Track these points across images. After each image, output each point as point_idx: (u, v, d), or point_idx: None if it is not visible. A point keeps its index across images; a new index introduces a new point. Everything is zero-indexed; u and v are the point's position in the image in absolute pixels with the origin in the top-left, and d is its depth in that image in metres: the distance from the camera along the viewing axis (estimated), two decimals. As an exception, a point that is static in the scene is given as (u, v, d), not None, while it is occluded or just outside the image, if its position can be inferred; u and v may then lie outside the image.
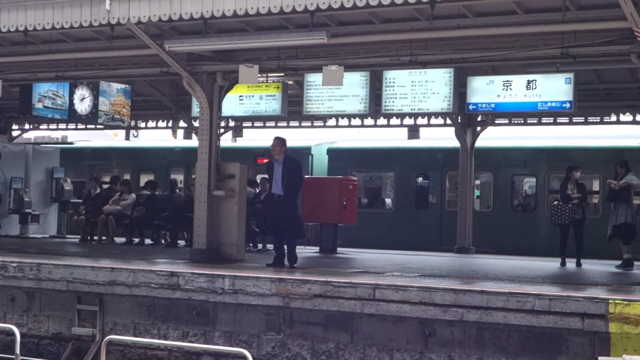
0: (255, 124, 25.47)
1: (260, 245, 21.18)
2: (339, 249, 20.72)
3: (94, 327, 14.19)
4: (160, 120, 26.59)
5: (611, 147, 23.28)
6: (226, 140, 25.03)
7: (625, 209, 16.91)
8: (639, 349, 10.68)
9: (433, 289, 11.94)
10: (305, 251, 19.36)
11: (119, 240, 22.30)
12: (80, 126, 27.12)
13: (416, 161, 25.94)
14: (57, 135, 32.57)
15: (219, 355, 13.00)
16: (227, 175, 16.92)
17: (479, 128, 22.64)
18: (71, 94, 21.97)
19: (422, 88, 18.83)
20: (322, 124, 24.69)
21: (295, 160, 16.32)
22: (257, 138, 27.52)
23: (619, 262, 17.17)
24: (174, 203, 21.68)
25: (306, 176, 22.41)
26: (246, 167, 17.59)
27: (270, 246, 19.25)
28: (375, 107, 19.64)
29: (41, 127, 28.92)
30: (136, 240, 22.21)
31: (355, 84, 19.17)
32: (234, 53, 16.84)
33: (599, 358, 10.64)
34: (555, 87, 17.90)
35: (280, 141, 15.84)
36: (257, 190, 21.09)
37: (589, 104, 20.65)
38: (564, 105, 17.91)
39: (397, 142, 26.56)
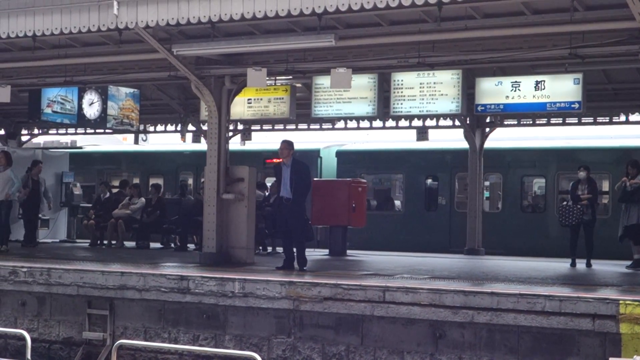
0: (263, 127, 25.48)
1: (269, 249, 21.21)
2: (348, 252, 20.71)
3: (105, 331, 14.21)
4: (169, 124, 26.62)
5: (620, 147, 23.23)
6: (235, 143, 25.05)
7: (638, 209, 16.86)
8: (650, 349, 10.66)
9: (443, 290, 11.93)
10: (314, 254, 19.36)
11: (129, 244, 22.33)
12: (89, 130, 27.15)
13: (425, 163, 25.93)
14: (66, 139, 32.64)
15: (230, 358, 12.98)
16: (236, 179, 16.94)
17: (487, 129, 22.62)
18: (80, 98, 22.02)
19: (431, 90, 18.80)
20: (330, 126, 24.70)
21: (304, 163, 16.31)
22: (265, 141, 27.55)
23: (629, 263, 17.13)
24: (183, 207, 21.70)
25: (315, 179, 22.43)
26: (255, 170, 17.61)
27: (279, 249, 19.26)
28: (383, 109, 19.62)
29: (50, 131, 28.97)
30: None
31: (363, 86, 19.16)
32: (242, 56, 16.86)
33: (610, 359, 10.62)
34: (563, 88, 17.87)
35: (287, 144, 15.84)
36: (267, 194, 21.10)
37: (597, 104, 20.61)
38: (572, 105, 17.87)
39: (405, 144, 26.55)
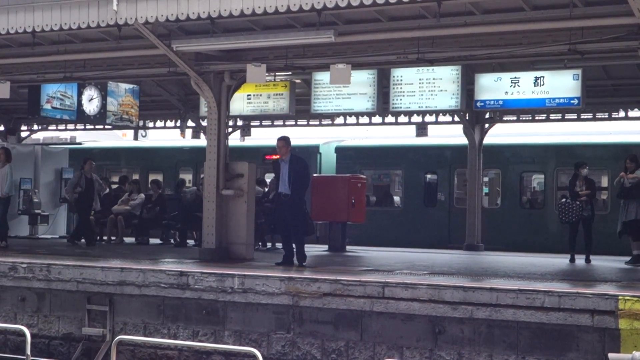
0: (263, 123, 25.50)
1: (269, 244, 21.22)
2: (347, 247, 20.72)
3: (104, 327, 14.22)
4: (169, 120, 26.65)
5: (620, 143, 23.23)
6: (234, 139, 25.05)
7: (636, 205, 16.87)
8: (649, 345, 10.68)
9: (442, 286, 11.94)
10: (314, 249, 19.36)
11: (128, 240, 22.34)
12: (88, 126, 27.18)
13: (424, 159, 25.93)
14: (66, 135, 32.68)
15: (229, 354, 13.02)
16: (236, 175, 16.94)
17: (487, 125, 22.64)
18: (79, 94, 22.02)
19: (430, 86, 18.82)
20: (330, 122, 24.69)
21: (302, 159, 16.30)
22: (265, 137, 27.54)
23: (628, 258, 17.14)
24: (183, 203, 21.71)
25: (314, 175, 22.43)
26: (255, 166, 17.61)
27: (279, 245, 19.27)
28: (383, 105, 19.64)
29: (50, 127, 29.00)
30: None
31: (362, 82, 19.17)
32: (241, 52, 16.86)
33: (609, 355, 10.62)
34: (563, 84, 17.89)
35: (285, 141, 15.82)
36: (266, 190, 21.11)
37: (597, 100, 20.62)
38: (572, 101, 17.89)
39: (405, 139, 26.55)
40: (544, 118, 22.36)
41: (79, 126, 27.80)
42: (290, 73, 18.87)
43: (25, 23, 15.66)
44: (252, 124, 25.48)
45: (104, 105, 22.35)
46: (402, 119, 23.79)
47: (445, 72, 18.60)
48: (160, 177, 26.70)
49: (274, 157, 16.76)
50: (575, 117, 22.09)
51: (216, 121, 16.94)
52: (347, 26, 15.37)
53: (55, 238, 23.92)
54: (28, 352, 11.36)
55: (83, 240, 20.41)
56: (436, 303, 11.86)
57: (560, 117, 22.22)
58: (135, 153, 30.52)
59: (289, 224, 15.82)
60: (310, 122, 24.87)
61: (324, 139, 27.73)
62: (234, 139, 24.89)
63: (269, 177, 22.14)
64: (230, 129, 20.83)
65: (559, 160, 24.12)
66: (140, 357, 13.79)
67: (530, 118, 22.48)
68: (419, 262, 17.14)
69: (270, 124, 25.43)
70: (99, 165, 29.76)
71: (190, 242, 21.65)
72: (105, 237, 22.47)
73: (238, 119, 23.82)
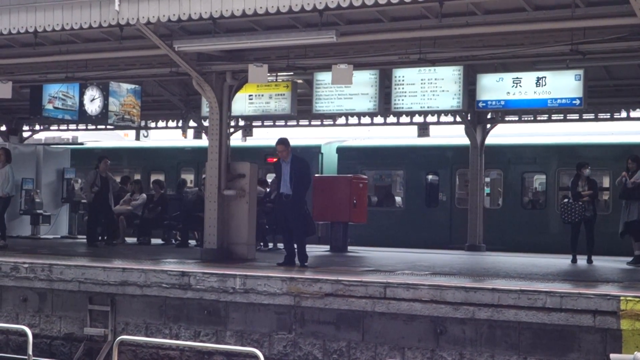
0: (265, 123, 25.48)
1: (270, 244, 21.21)
2: (349, 248, 20.72)
3: (106, 327, 14.23)
4: (170, 120, 26.62)
5: (621, 144, 23.22)
6: (236, 139, 25.05)
7: (638, 205, 16.86)
8: (650, 345, 10.67)
9: (444, 287, 11.94)
10: (315, 250, 19.36)
11: (130, 240, 22.34)
12: (90, 127, 27.16)
13: (426, 159, 25.92)
14: (68, 135, 32.64)
15: (231, 354, 13.02)
16: (238, 175, 16.95)
17: (488, 125, 22.62)
18: (81, 94, 21.96)
19: (432, 86, 18.79)
20: (331, 122, 24.68)
21: (303, 159, 16.29)
22: (267, 137, 27.54)
23: (630, 259, 17.13)
24: (184, 203, 21.71)
25: (316, 175, 22.43)
26: (256, 166, 17.61)
27: (280, 245, 19.27)
28: (384, 105, 19.62)
29: (52, 128, 28.98)
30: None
31: (364, 82, 19.15)
32: (243, 52, 16.87)
33: (611, 355, 10.63)
34: (565, 84, 17.86)
35: (284, 145, 15.76)
36: (268, 190, 21.11)
37: (599, 100, 20.62)
38: (573, 101, 17.86)
39: (406, 140, 26.54)
40: (545, 118, 22.34)
41: (81, 126, 27.78)
42: (292, 73, 18.86)
43: (27, 23, 15.66)
44: (253, 124, 25.47)
45: (105, 106, 22.28)
46: (404, 119, 23.77)
47: (447, 73, 18.58)
48: (162, 177, 26.70)
49: (276, 160, 16.71)
50: (577, 117, 22.07)
51: (218, 121, 16.95)
52: (349, 26, 15.38)
53: (57, 238, 23.94)
54: (30, 352, 11.37)
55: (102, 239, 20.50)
56: (438, 303, 11.86)
57: (562, 118, 22.21)
58: (137, 153, 30.52)
59: (291, 224, 15.82)
60: (312, 123, 24.85)
61: (325, 139, 27.73)
62: (236, 139, 24.90)
63: (270, 177, 22.13)
64: (232, 129, 20.87)
65: (560, 160, 24.11)
66: (142, 358, 13.80)
67: (532, 118, 22.46)
68: (420, 262, 17.14)
69: (272, 124, 25.42)
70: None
71: (192, 242, 21.65)
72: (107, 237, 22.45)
73: (240, 119, 23.81)
